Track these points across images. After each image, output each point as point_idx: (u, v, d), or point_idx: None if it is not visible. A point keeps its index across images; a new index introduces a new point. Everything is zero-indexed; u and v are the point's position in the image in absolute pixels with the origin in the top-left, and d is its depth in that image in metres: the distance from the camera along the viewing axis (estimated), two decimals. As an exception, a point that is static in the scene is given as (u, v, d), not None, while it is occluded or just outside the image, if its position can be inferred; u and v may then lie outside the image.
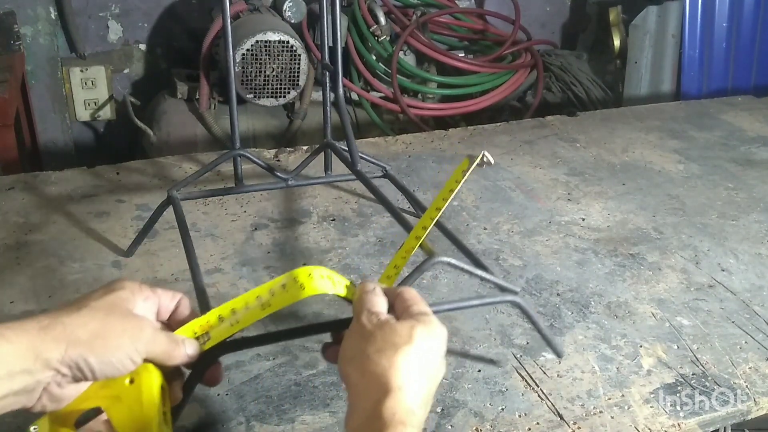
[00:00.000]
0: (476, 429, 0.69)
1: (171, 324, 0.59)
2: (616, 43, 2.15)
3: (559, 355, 0.78)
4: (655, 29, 2.03)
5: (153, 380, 0.54)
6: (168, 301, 0.58)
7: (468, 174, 0.64)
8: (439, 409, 0.71)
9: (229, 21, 0.91)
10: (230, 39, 0.92)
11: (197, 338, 0.58)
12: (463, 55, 2.17)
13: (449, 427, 0.70)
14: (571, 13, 2.51)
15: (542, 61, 2.19)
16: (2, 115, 1.54)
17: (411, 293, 0.60)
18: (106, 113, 2.06)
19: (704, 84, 2.03)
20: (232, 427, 0.68)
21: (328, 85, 0.99)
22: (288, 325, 0.64)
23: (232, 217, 1.06)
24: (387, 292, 0.60)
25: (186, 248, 0.80)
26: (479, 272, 0.71)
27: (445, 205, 0.65)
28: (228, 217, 1.06)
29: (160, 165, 1.21)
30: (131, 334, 0.52)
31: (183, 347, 0.56)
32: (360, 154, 1.00)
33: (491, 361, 0.78)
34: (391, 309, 0.59)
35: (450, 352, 0.63)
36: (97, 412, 0.53)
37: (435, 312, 0.58)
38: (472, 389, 0.74)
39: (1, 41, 1.83)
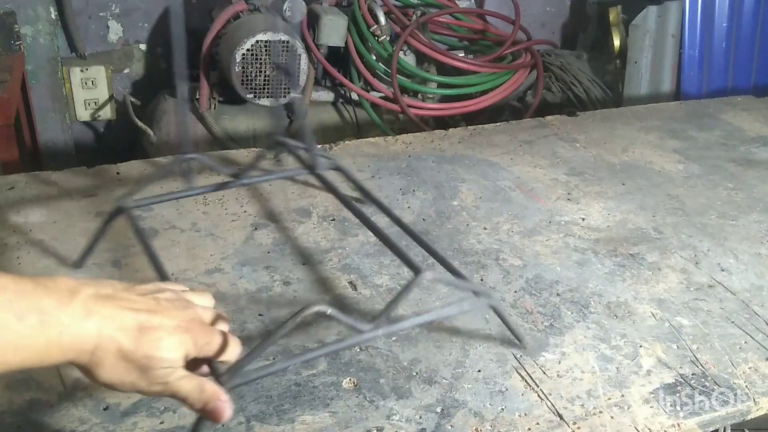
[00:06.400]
0: (476, 429, 0.70)
1: None
2: (616, 43, 2.15)
3: (525, 346, 0.80)
4: (655, 29, 2.03)
5: None
6: None
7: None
8: (439, 409, 0.72)
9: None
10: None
11: None
12: (463, 55, 2.17)
13: (449, 427, 0.70)
14: (571, 13, 2.51)
15: (542, 61, 2.19)
16: (2, 115, 1.54)
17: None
18: (106, 113, 2.06)
19: (704, 84, 2.03)
20: (232, 427, 0.68)
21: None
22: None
23: (232, 217, 1.06)
24: None
25: (154, 262, 0.79)
26: (457, 281, 0.75)
27: None
28: (228, 216, 1.06)
29: (160, 165, 1.21)
30: None
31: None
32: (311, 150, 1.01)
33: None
34: None
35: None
36: None
37: (411, 326, 0.56)
38: (471, 389, 0.74)
39: (1, 41, 1.83)
